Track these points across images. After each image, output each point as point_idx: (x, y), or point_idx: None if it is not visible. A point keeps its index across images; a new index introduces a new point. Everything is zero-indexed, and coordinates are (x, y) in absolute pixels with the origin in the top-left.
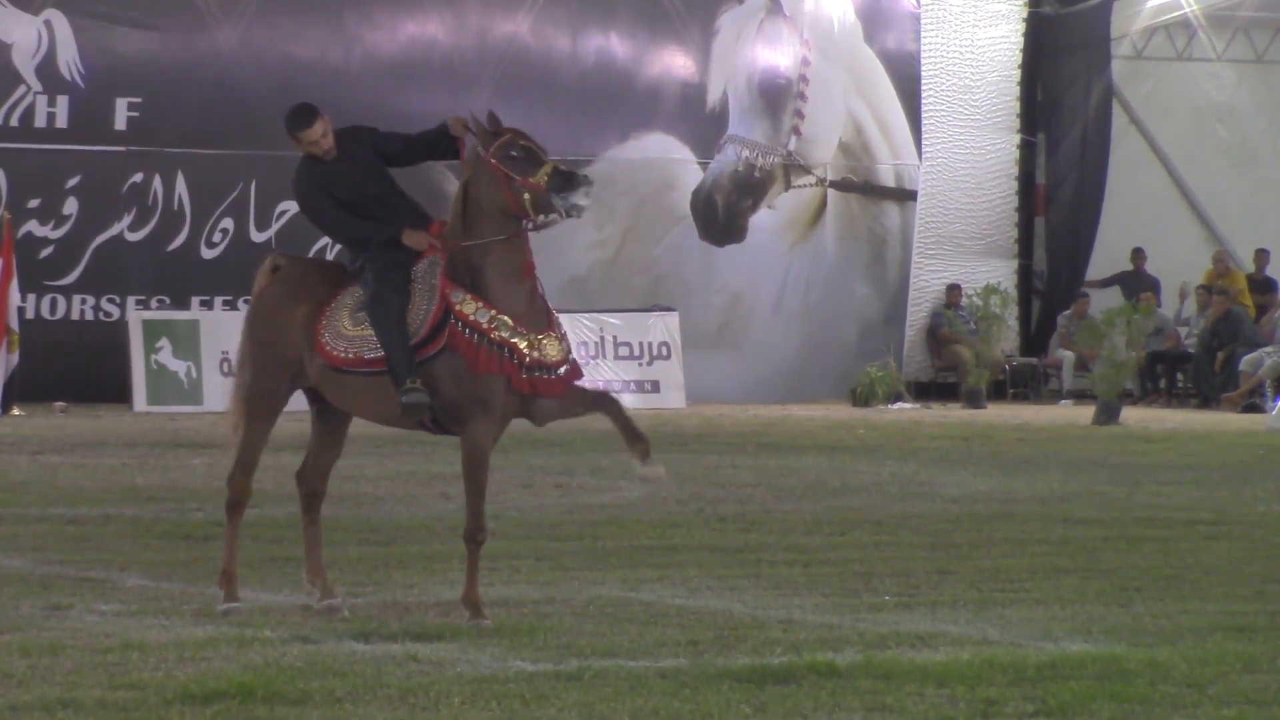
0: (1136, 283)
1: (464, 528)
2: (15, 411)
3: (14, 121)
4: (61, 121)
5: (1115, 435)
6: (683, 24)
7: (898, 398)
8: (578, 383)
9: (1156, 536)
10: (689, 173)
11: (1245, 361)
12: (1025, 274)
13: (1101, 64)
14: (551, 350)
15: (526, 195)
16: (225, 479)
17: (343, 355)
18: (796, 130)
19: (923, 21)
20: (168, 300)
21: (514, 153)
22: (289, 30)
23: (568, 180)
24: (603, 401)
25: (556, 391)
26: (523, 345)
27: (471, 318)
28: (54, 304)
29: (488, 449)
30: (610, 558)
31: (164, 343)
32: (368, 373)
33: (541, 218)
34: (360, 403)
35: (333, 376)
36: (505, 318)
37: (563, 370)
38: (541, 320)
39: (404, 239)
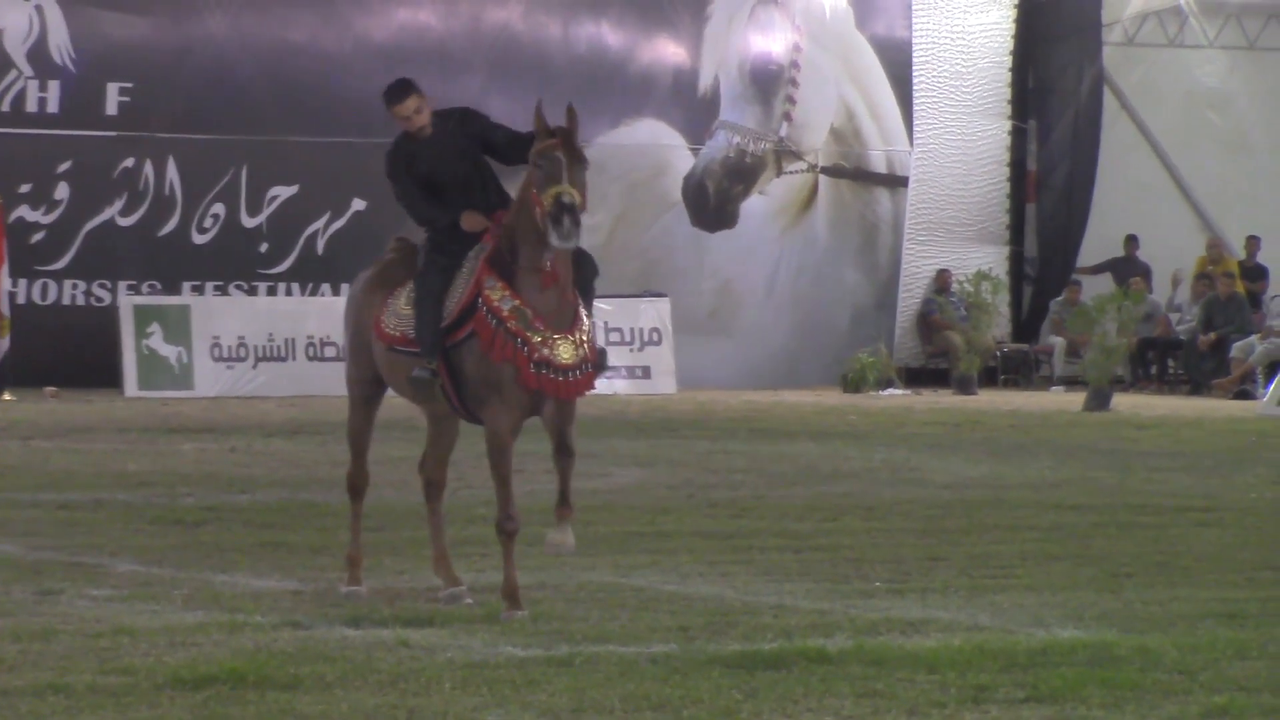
0: (1128, 269)
1: (495, 518)
2: (6, 396)
3: (5, 106)
4: (53, 106)
5: (1106, 421)
6: (674, 10)
7: (889, 384)
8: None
9: (1147, 523)
10: (680, 158)
11: (1236, 348)
12: (1017, 260)
13: (1093, 50)
14: (564, 352)
15: (537, 210)
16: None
17: (392, 333)
18: (788, 116)
19: (914, 7)
20: (159, 285)
21: (541, 163)
22: (280, 15)
23: (557, 214)
24: (563, 452)
25: (562, 394)
26: (535, 339)
27: (495, 303)
28: (45, 289)
29: (506, 436)
30: (601, 544)
31: (155, 328)
32: (412, 352)
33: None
34: (404, 385)
35: (387, 357)
36: (527, 310)
37: (572, 376)
38: (565, 322)
39: (462, 221)
